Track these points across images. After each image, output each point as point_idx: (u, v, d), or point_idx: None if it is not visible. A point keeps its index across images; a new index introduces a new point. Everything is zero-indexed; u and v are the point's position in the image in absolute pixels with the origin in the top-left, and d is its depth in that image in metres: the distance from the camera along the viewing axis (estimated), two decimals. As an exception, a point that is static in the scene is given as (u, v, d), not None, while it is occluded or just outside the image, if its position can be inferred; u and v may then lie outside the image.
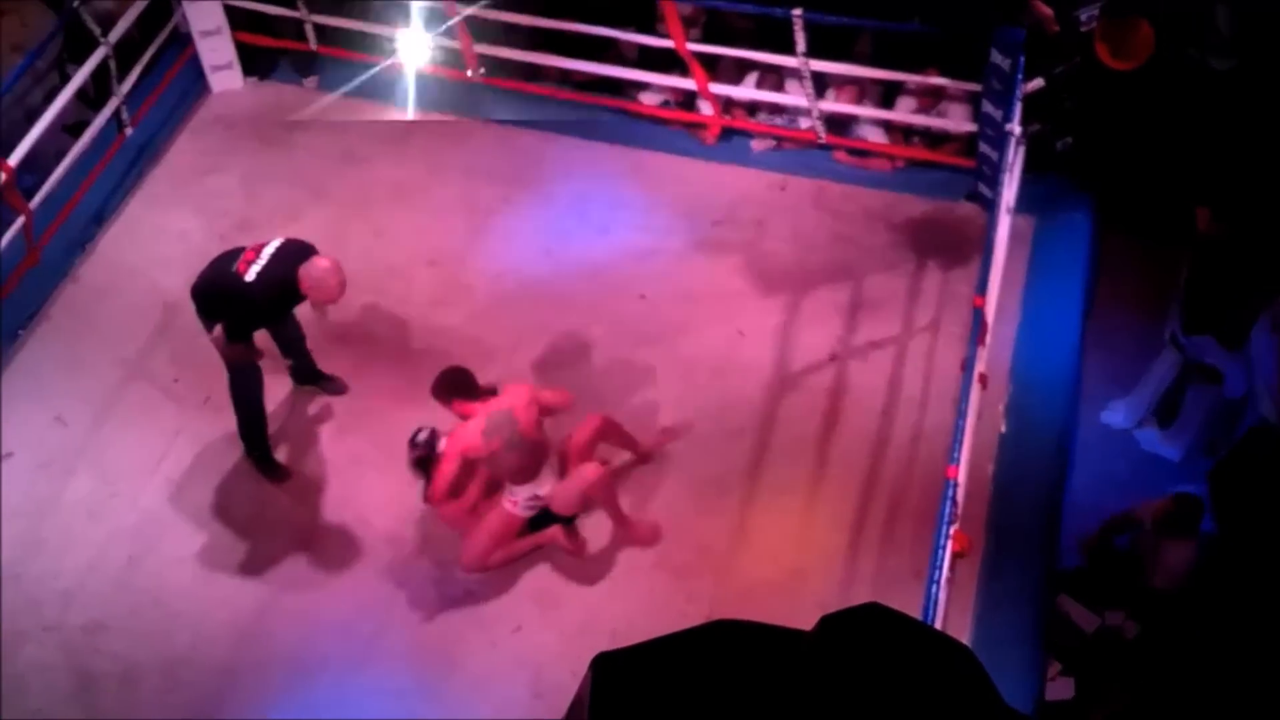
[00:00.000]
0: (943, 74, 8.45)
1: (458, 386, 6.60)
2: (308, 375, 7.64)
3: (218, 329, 6.73)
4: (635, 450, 7.16)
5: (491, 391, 6.66)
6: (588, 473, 6.68)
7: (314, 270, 6.66)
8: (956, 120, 8.48)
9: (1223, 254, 7.09)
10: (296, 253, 6.75)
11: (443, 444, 6.60)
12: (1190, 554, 6.72)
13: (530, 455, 6.63)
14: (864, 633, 2.59)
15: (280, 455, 7.41)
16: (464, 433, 6.52)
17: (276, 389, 7.56)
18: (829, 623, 2.60)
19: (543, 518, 6.84)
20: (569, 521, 6.90)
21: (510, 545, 6.82)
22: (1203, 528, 7.03)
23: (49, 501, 7.27)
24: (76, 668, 6.65)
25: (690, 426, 7.23)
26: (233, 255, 6.84)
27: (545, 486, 6.74)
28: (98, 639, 6.75)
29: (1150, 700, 6.38)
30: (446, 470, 6.50)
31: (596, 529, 6.95)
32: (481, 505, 6.85)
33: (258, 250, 6.74)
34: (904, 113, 8.66)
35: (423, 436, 6.69)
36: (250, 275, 6.64)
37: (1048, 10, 7.41)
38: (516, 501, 6.74)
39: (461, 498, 6.78)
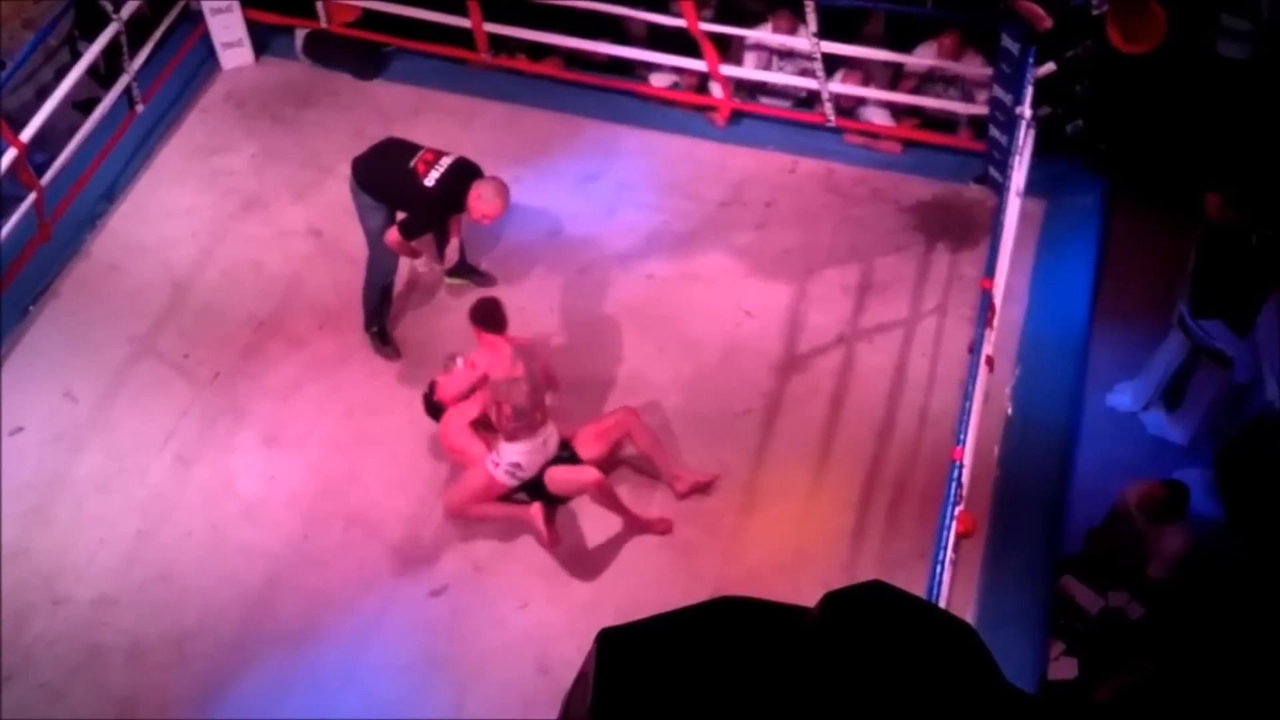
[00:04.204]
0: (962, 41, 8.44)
1: (488, 316, 6.70)
2: (460, 270, 7.92)
3: (393, 230, 7.19)
4: (657, 466, 7.08)
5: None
6: (586, 476, 6.74)
7: (487, 187, 7.16)
8: (975, 82, 8.44)
9: (1232, 239, 7.09)
10: (470, 169, 7.26)
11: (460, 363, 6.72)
12: (1185, 539, 6.74)
13: (534, 401, 6.65)
14: (868, 610, 2.60)
15: (293, 431, 7.45)
16: (494, 352, 6.62)
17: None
18: (833, 599, 2.61)
19: (536, 488, 6.84)
20: (557, 502, 6.92)
21: (489, 505, 6.87)
22: (1208, 512, 7.06)
23: (59, 476, 7.30)
24: (85, 641, 6.69)
25: (720, 477, 7.13)
26: (406, 149, 7.33)
27: (530, 458, 6.74)
28: (106, 613, 6.79)
29: (1155, 679, 6.40)
30: (466, 378, 6.66)
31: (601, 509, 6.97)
32: (478, 441, 6.89)
33: (436, 156, 7.23)
34: (921, 60, 8.57)
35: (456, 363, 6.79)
36: (430, 181, 7.13)
37: (1034, 8, 7.38)
38: (499, 464, 6.74)
39: (464, 429, 6.92)
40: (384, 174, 7.29)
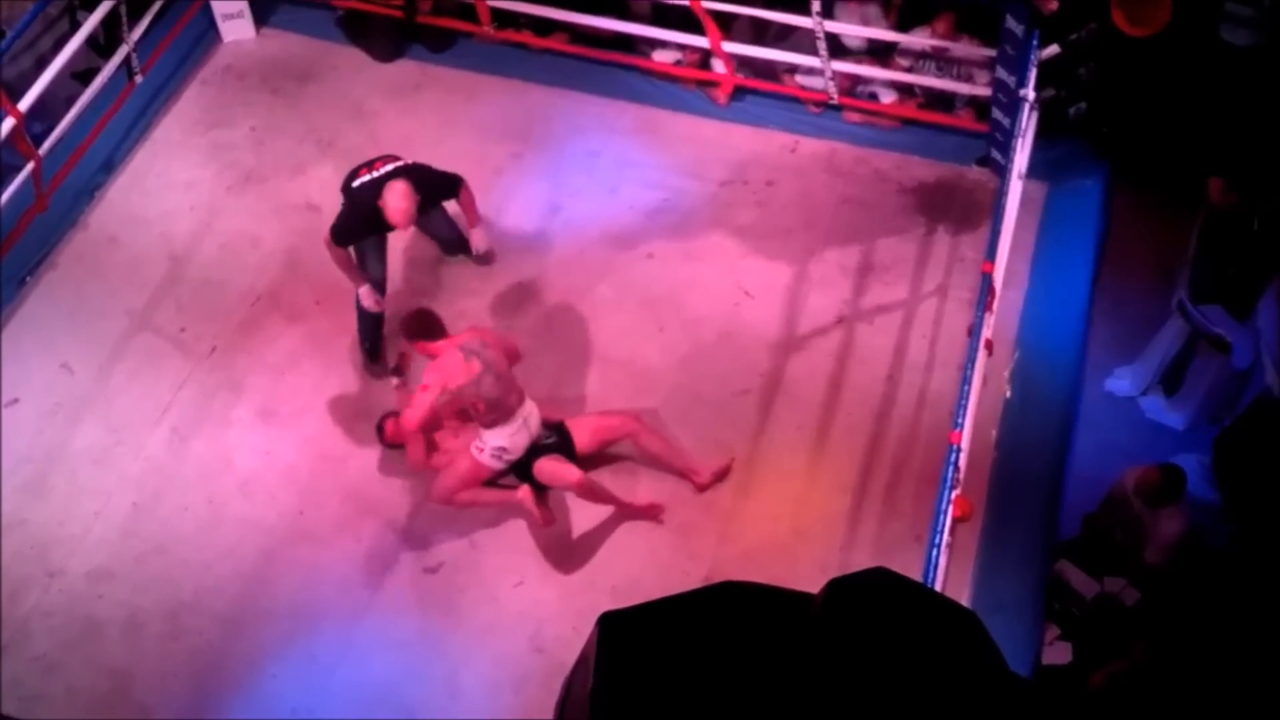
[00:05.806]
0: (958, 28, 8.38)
1: (425, 328, 6.62)
2: (458, 247, 7.82)
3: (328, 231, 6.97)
4: (673, 467, 7.01)
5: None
6: (570, 476, 6.67)
7: (389, 191, 6.81)
8: (973, 64, 8.39)
9: (1234, 224, 7.08)
10: (404, 174, 6.89)
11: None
12: (1182, 523, 6.76)
13: (504, 386, 6.56)
14: (872, 598, 2.59)
15: (290, 406, 7.43)
16: (444, 362, 6.50)
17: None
18: (837, 587, 2.60)
19: (524, 472, 6.81)
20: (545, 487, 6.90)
21: (478, 491, 6.82)
22: (1205, 497, 7.07)
23: (55, 448, 7.28)
24: (81, 614, 6.69)
25: (732, 464, 7.08)
26: (368, 161, 7.05)
27: (514, 440, 6.69)
28: (102, 586, 6.79)
29: (1150, 665, 6.42)
30: (427, 399, 6.47)
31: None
32: (445, 449, 6.89)
33: (385, 163, 6.96)
34: (918, 39, 8.49)
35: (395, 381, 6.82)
36: (356, 183, 6.92)
37: None
38: (484, 449, 6.69)
39: (426, 443, 6.87)
40: (342, 185, 7.09)
